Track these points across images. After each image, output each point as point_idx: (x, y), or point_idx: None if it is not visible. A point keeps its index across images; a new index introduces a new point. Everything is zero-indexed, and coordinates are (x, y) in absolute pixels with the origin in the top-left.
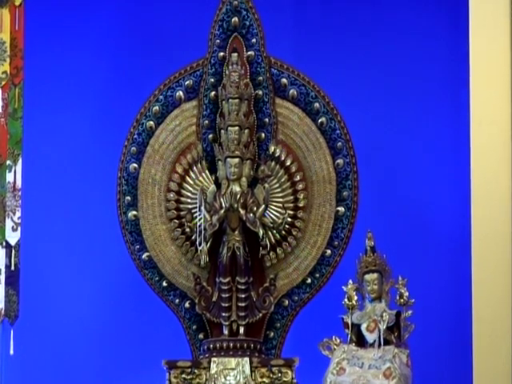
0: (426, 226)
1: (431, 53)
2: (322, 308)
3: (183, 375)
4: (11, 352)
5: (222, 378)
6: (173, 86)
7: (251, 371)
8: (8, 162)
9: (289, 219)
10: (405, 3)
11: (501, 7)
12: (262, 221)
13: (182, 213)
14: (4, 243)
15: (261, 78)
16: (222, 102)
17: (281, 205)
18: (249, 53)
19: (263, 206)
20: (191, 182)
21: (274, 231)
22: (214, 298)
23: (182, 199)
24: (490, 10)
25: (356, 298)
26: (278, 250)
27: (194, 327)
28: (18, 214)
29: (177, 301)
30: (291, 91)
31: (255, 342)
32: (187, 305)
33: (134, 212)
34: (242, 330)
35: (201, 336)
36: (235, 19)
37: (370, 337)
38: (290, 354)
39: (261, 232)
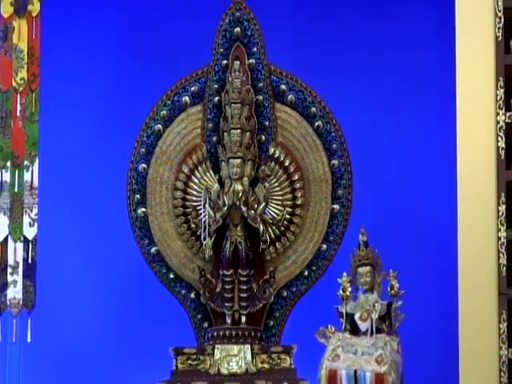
0: (415, 222)
1: (420, 61)
2: (318, 299)
3: (189, 361)
4: (28, 339)
5: (225, 364)
6: (179, 91)
7: (252, 357)
8: (25, 163)
9: (287, 216)
10: (396, 16)
11: (486, 18)
12: (263, 217)
13: (187, 210)
14: (22, 238)
15: (261, 84)
16: (225, 107)
17: (280, 202)
18: (250, 61)
19: (263, 204)
20: (196, 181)
21: (274, 227)
22: (218, 290)
23: (188, 197)
24: (475, 24)
25: (350, 289)
26: (277, 244)
27: (199, 316)
28: (35, 210)
29: (183, 292)
30: (290, 96)
31: (256, 331)
32: (193, 295)
33: (143, 209)
34: (243, 319)
35: (205, 325)
36: (237, 29)
37: (363, 325)
38: (288, 341)
39: (261, 228)
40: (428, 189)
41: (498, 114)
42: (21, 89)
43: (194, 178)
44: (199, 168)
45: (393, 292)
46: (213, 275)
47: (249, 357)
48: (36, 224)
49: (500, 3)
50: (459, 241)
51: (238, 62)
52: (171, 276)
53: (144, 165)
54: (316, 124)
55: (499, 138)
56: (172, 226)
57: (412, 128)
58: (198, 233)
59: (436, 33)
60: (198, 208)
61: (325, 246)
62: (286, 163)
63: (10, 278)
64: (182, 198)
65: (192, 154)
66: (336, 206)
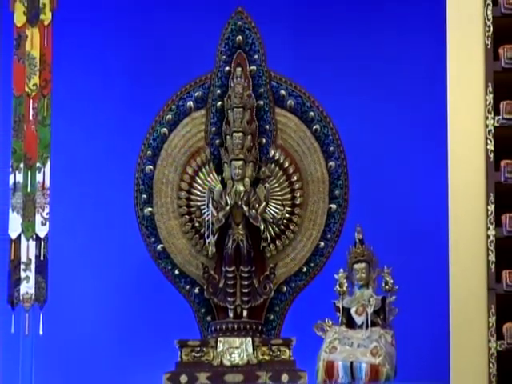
0: (408, 221)
1: (414, 68)
2: (316, 294)
3: (193, 353)
4: (40, 332)
5: (227, 356)
6: (184, 96)
7: (253, 349)
8: (38, 164)
9: (287, 215)
10: (392, 25)
11: (476, 27)
12: (263, 216)
13: (192, 209)
14: (34, 236)
15: (262, 89)
16: (227, 111)
17: (280, 202)
18: (251, 67)
19: (264, 204)
20: (200, 182)
21: (274, 226)
22: (221, 285)
23: (192, 197)
24: (466, 32)
25: (346, 284)
26: (277, 242)
27: (203, 310)
28: (47, 210)
29: (187, 287)
30: (289, 101)
31: (257, 324)
32: (197, 291)
33: (150, 208)
34: (245, 313)
35: (209, 318)
36: (239, 38)
37: (359, 319)
38: (287, 334)
39: (262, 226)
40: (420, 189)
41: (487, 118)
42: (33, 94)
43: (197, 178)
44: (203, 169)
45: (387, 287)
46: (216, 271)
47: (250, 349)
48: (47, 223)
49: (489, 12)
50: (450, 238)
51: (240, 69)
52: (176, 272)
53: (150, 166)
54: (314, 127)
55: (488, 141)
56: (177, 225)
57: (405, 132)
58: (202, 231)
59: (429, 41)
60: (202, 207)
61: (322, 244)
62: (286, 165)
63: (22, 274)
64: (187, 198)
65: (196, 156)
66: (333, 206)
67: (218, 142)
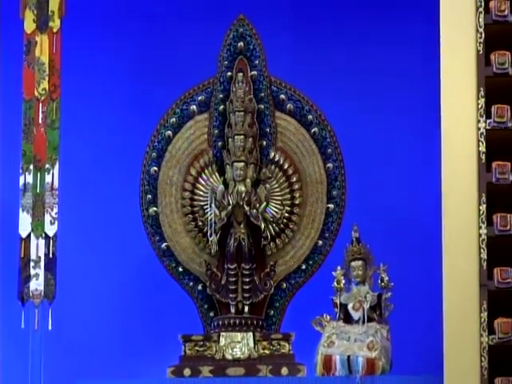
0: (403, 221)
1: (409, 75)
2: (314, 290)
3: (196, 347)
4: (49, 327)
5: (229, 350)
6: (187, 101)
7: (254, 344)
8: (47, 166)
9: (286, 214)
10: (388, 31)
11: (468, 34)
12: (264, 216)
13: (195, 209)
14: (43, 235)
15: (262, 94)
16: (229, 115)
17: (280, 202)
18: (252, 73)
19: (264, 203)
20: (203, 182)
21: (274, 225)
22: (223, 282)
23: (196, 197)
24: (459, 39)
25: (343, 281)
26: (277, 240)
27: (206, 306)
28: (55, 209)
29: (191, 284)
30: (288, 105)
31: (258, 319)
32: (200, 287)
33: (155, 208)
34: (246, 308)
35: (211, 314)
36: (241, 44)
37: (356, 315)
38: (287, 329)
39: (262, 225)
40: (415, 190)
41: (479, 121)
42: (42, 98)
43: (200, 179)
44: (206, 171)
45: (383, 284)
46: (218, 269)
47: (251, 343)
48: (56, 222)
49: (481, 20)
50: (444, 237)
51: (241, 74)
52: (180, 269)
53: (155, 168)
54: (312, 130)
55: (480, 144)
56: (181, 224)
57: (400, 135)
58: (205, 230)
59: (423, 47)
60: (205, 207)
61: (321, 242)
62: (285, 166)
63: (32, 272)
64: (190, 198)
65: (199, 158)
66: (331, 206)
67: (220, 144)
